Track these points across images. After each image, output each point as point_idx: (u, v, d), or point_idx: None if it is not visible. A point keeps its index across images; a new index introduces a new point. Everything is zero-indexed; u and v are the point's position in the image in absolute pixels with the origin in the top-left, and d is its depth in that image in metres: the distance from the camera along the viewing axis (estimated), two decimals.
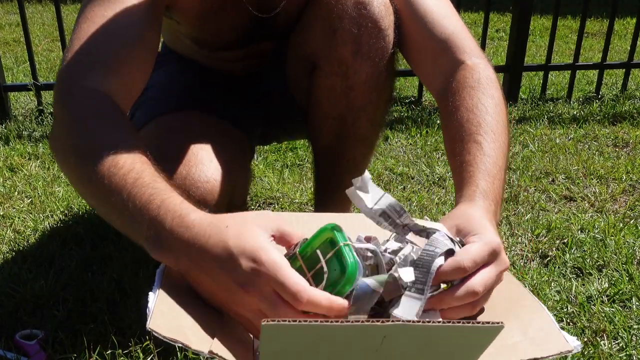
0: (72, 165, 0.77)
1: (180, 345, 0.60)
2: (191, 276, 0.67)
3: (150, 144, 0.85)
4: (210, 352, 0.62)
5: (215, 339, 0.64)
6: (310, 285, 0.63)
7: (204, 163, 0.99)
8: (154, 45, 0.93)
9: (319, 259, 0.65)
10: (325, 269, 0.65)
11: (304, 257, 0.67)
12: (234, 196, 1.04)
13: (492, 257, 0.67)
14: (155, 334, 0.59)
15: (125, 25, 0.88)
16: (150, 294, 0.65)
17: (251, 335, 0.71)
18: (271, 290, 0.61)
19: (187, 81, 1.23)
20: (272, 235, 0.66)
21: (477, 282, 0.65)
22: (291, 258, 0.68)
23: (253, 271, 0.61)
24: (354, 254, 0.65)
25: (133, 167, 0.72)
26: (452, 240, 0.70)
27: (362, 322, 0.55)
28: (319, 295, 0.61)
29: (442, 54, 0.98)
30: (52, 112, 0.85)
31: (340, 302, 0.61)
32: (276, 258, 0.61)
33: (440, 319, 0.67)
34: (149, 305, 0.63)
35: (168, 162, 0.94)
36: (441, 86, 0.97)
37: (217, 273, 0.63)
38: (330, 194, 1.23)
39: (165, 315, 0.63)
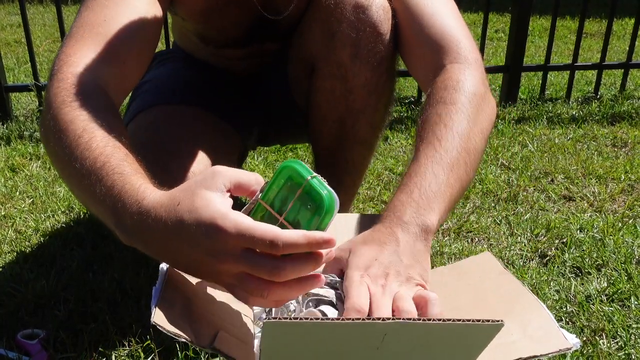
0: (51, 147, 0.77)
1: (183, 340, 0.61)
2: (166, 259, 0.67)
3: (134, 134, 0.84)
4: (213, 347, 0.62)
5: (217, 335, 0.64)
6: (286, 228, 0.62)
7: (184, 156, 0.99)
8: (153, 38, 0.93)
9: (287, 199, 0.63)
10: (298, 206, 0.63)
11: (270, 202, 0.65)
12: None
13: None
14: (160, 328, 0.60)
15: (126, 16, 0.88)
16: (154, 288, 0.65)
17: (252, 334, 0.72)
18: (243, 250, 0.59)
19: (187, 77, 1.24)
20: (228, 190, 0.64)
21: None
22: (256, 208, 0.65)
23: (217, 240, 0.59)
24: (326, 184, 0.63)
25: (103, 151, 0.71)
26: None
27: (363, 320, 0.56)
28: (295, 235, 0.59)
29: (430, 54, 0.96)
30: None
31: (319, 235, 0.59)
32: (235, 218, 0.59)
33: (441, 317, 0.68)
34: (153, 300, 0.64)
35: (149, 152, 0.93)
36: (428, 84, 0.94)
37: (185, 252, 0.62)
38: None
39: (169, 310, 0.64)
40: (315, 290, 0.73)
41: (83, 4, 0.90)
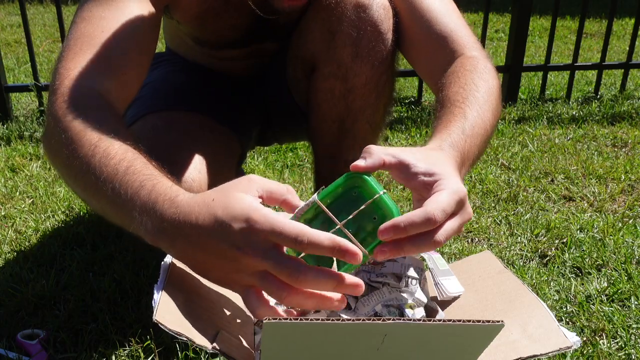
0: (63, 160, 0.77)
1: (184, 339, 0.61)
2: (188, 258, 0.66)
3: None
4: (214, 347, 0.62)
5: (218, 334, 0.64)
6: (344, 235, 0.62)
7: (181, 163, 0.99)
8: (150, 44, 0.93)
9: (349, 208, 0.64)
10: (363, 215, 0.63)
11: (328, 205, 0.65)
12: None
13: (459, 206, 0.66)
14: (161, 327, 0.60)
15: (122, 26, 0.88)
16: (156, 287, 0.65)
17: (252, 334, 0.72)
18: (271, 245, 0.60)
19: (182, 81, 1.23)
20: (260, 197, 0.65)
21: (442, 234, 0.63)
22: (310, 209, 0.65)
23: (247, 230, 0.60)
24: (394, 203, 0.64)
25: (125, 157, 0.72)
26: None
27: (363, 320, 0.56)
28: (321, 235, 0.59)
29: (440, 49, 0.97)
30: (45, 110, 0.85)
31: (344, 243, 0.60)
32: (268, 212, 0.60)
33: (442, 318, 0.68)
34: (155, 298, 0.64)
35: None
36: (439, 78, 0.96)
37: (212, 245, 0.62)
38: None
39: (171, 309, 0.64)
40: None
41: (77, 15, 0.90)
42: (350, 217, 0.63)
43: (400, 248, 0.62)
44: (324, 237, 0.59)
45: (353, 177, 0.65)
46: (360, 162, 0.66)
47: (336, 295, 0.63)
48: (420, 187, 0.67)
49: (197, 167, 1.00)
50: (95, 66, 0.84)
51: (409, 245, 0.62)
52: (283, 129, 1.34)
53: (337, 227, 0.63)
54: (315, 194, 0.66)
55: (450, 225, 0.64)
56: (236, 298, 0.80)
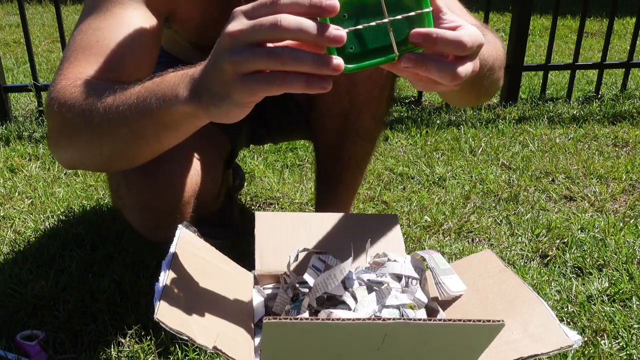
0: (78, 109, 0.78)
1: (185, 338, 0.61)
2: (218, 95, 0.65)
3: None
4: (214, 347, 0.62)
5: (219, 334, 0.64)
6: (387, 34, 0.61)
7: (167, 160, 0.98)
8: (151, 53, 0.92)
9: (395, 8, 0.62)
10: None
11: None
12: (201, 192, 1.03)
13: (479, 50, 0.66)
14: (162, 325, 0.60)
15: (121, 35, 0.87)
16: (157, 285, 0.65)
17: (252, 334, 0.71)
18: (246, 45, 0.60)
19: None
20: None
21: (463, 70, 0.63)
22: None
23: (227, 39, 0.61)
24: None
25: (135, 84, 0.75)
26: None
27: (364, 320, 0.56)
28: None
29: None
30: (46, 117, 0.85)
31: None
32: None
33: (442, 318, 0.67)
34: (156, 296, 0.63)
35: None
36: None
37: (218, 65, 0.63)
38: (331, 193, 1.23)
39: (172, 308, 0.64)
40: (329, 290, 0.73)
41: (76, 28, 0.89)
42: (400, 17, 0.62)
43: (424, 63, 0.62)
44: None
45: None
46: None
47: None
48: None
49: (185, 164, 1.00)
50: (93, 72, 0.84)
51: (432, 64, 0.62)
52: (277, 125, 1.33)
53: (383, 21, 0.61)
54: None
55: (471, 65, 0.64)
56: (237, 298, 0.80)
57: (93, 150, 0.82)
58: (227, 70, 0.61)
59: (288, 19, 0.58)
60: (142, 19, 0.90)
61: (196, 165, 1.03)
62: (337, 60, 0.59)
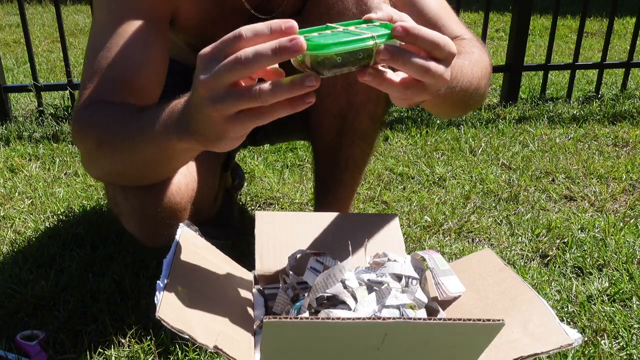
0: (101, 143, 0.85)
1: (186, 336, 0.61)
2: (203, 133, 0.68)
3: None
4: (215, 347, 0.62)
5: (219, 334, 0.64)
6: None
7: None
8: (162, 67, 0.96)
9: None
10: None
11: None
12: (198, 197, 1.04)
13: (452, 59, 0.69)
14: (164, 323, 0.60)
15: (132, 51, 0.90)
16: (158, 283, 0.65)
17: (253, 334, 0.71)
18: (224, 88, 0.62)
19: (169, 84, 1.24)
20: None
21: (438, 68, 0.66)
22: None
23: (205, 85, 0.63)
24: None
25: (139, 117, 0.80)
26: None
27: (364, 319, 0.56)
28: (258, 25, 0.60)
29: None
30: (74, 140, 0.99)
31: (279, 20, 0.60)
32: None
33: (442, 317, 0.67)
34: (157, 295, 0.64)
35: None
36: None
37: (200, 112, 0.66)
38: (330, 194, 1.23)
39: (173, 307, 0.64)
40: (329, 290, 0.73)
41: (88, 47, 0.93)
42: (365, 25, 0.67)
43: (401, 55, 0.63)
44: (260, 24, 0.60)
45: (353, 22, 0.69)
46: (371, 15, 0.69)
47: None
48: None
49: (181, 169, 1.00)
50: (109, 92, 0.89)
51: (408, 56, 0.64)
52: (275, 126, 1.33)
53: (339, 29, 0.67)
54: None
55: (444, 68, 0.66)
56: (237, 297, 0.80)
57: (112, 175, 0.91)
58: (213, 116, 0.64)
59: (246, 53, 0.60)
60: (150, 30, 0.93)
61: (192, 171, 1.03)
62: (299, 40, 0.60)
